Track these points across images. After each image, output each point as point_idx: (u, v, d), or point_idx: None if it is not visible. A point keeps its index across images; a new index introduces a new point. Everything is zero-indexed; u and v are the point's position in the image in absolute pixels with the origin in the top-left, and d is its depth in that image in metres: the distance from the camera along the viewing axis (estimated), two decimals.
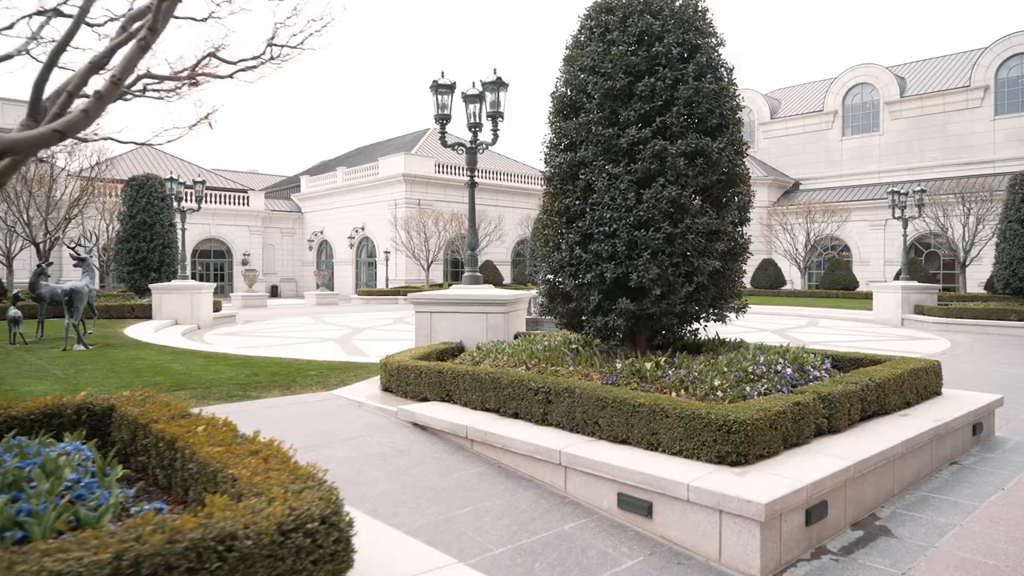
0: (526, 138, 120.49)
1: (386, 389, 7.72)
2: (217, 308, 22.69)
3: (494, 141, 10.28)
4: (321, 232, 52.22)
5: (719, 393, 5.70)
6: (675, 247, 6.65)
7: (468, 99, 10.56)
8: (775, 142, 49.87)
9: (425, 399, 7.09)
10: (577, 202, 7.13)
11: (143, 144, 5.37)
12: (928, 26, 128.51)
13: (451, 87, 10.25)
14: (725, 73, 7.24)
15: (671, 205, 6.63)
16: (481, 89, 10.20)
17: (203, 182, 21.35)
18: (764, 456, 4.72)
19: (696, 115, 6.89)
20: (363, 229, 47.43)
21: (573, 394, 5.55)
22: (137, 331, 15.58)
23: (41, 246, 21.98)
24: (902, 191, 22.67)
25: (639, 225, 6.69)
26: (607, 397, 5.28)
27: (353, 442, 5.99)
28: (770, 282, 38.96)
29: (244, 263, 50.28)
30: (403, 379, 7.39)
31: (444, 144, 10.37)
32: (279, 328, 20.50)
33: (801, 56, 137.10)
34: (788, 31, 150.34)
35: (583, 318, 7.31)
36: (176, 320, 19.69)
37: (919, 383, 6.81)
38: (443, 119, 10.26)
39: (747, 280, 41.86)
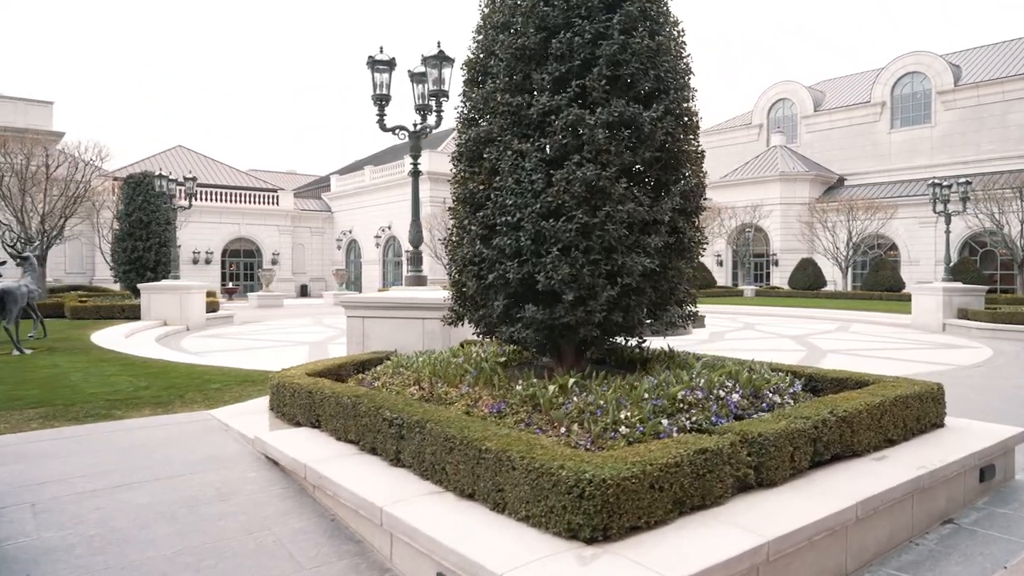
0: None
1: (272, 409, 6.59)
2: (214, 308, 22.03)
3: (437, 123, 9.09)
4: (350, 231, 51.80)
5: (623, 429, 4.39)
6: (593, 241, 5.33)
7: (415, 78, 9.42)
8: (819, 136, 47.35)
9: (299, 424, 5.94)
10: (481, 187, 5.89)
11: None
12: (983, 13, 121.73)
13: (390, 63, 9.09)
14: (668, 27, 5.89)
15: (587, 189, 5.31)
16: (424, 67, 9.02)
17: (194, 179, 20.67)
18: (640, 528, 3.41)
19: (624, 78, 5.56)
20: (389, 228, 46.77)
21: (423, 429, 4.31)
22: (105, 335, 14.85)
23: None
24: (945, 184, 20.62)
25: (548, 214, 5.40)
26: (455, 436, 4.03)
27: (172, 481, 4.86)
28: (808, 283, 36.76)
29: (273, 262, 50.21)
30: (281, 399, 6.25)
31: (383, 128, 9.21)
32: (269, 330, 19.68)
33: (848, 48, 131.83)
34: (835, 23, 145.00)
35: (495, 328, 6.05)
36: (165, 321, 19.04)
37: (908, 414, 5.33)
38: (381, 100, 9.11)
39: (785, 280, 39.74)
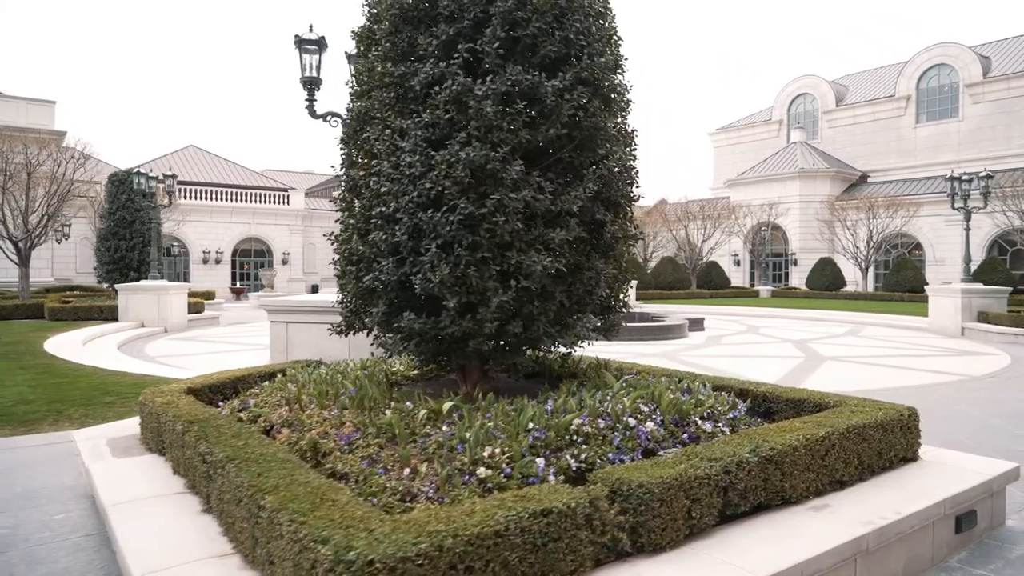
0: None
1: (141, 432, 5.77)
2: (199, 309, 21.45)
3: None
4: None
5: (482, 471, 3.49)
6: (480, 236, 4.42)
7: (351, 60, 8.55)
8: (841, 131, 45.72)
9: (152, 451, 5.11)
10: (362, 172, 5.01)
11: None
12: (1014, 3, 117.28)
13: (319, 43, 8.26)
14: None
15: (473, 173, 4.41)
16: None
17: (174, 176, 20.08)
18: None
19: (523, 40, 4.65)
20: None
21: (224, 471, 3.44)
22: (64, 338, 14.17)
23: (21, 244, 21.25)
24: (965, 178, 19.29)
25: (428, 203, 4.50)
26: (244, 484, 3.15)
27: None
28: (827, 283, 35.33)
29: (284, 262, 49.96)
30: (142, 421, 5.43)
31: (313, 115, 8.37)
32: (249, 333, 18.98)
33: (872, 42, 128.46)
34: (858, 17, 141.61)
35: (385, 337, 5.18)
36: (142, 323, 18.46)
37: (866, 448, 4.34)
38: (310, 83, 8.27)
39: (802, 281, 38.28)
